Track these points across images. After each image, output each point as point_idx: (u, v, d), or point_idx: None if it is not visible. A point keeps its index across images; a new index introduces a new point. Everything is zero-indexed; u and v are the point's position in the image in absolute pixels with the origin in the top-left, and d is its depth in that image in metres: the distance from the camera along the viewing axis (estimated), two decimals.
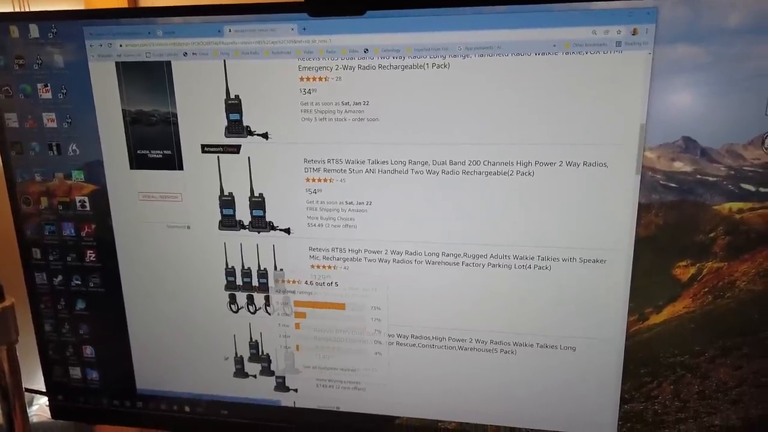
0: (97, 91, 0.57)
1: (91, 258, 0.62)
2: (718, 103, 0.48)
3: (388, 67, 0.52)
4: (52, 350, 0.67)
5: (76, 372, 0.67)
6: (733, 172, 0.49)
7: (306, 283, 0.59)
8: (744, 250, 0.51)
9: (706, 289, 0.52)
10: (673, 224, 0.51)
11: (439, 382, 0.60)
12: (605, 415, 0.57)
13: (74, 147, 0.59)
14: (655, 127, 0.49)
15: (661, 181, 0.50)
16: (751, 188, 0.49)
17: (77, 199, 0.61)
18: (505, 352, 0.57)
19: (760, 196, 0.49)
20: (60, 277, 0.64)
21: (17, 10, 0.80)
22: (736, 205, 0.50)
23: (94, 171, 0.60)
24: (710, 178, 0.49)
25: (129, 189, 0.59)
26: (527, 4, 0.48)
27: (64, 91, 0.58)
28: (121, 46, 0.55)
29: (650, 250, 0.52)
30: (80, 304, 0.64)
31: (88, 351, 0.66)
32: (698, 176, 0.50)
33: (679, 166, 0.50)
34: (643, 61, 0.48)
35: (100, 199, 0.60)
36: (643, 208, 0.51)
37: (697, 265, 0.52)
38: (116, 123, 0.58)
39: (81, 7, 0.77)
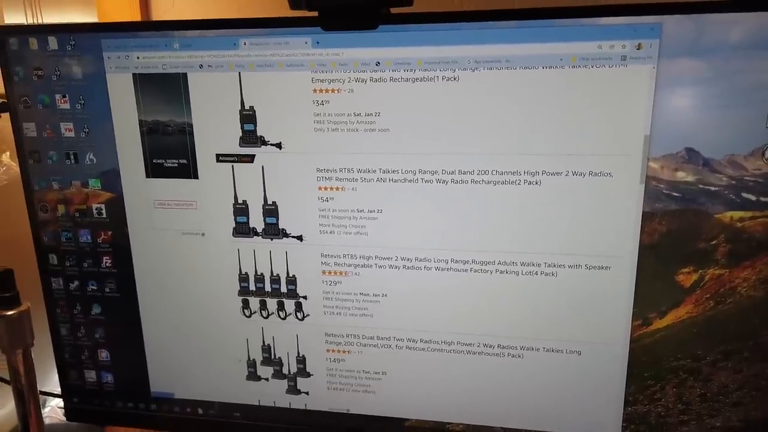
0: (114, 101, 0.59)
1: (107, 264, 0.64)
2: (720, 115, 0.49)
3: (399, 80, 0.53)
4: (68, 354, 0.68)
5: (91, 375, 0.69)
6: (734, 182, 0.50)
7: (317, 288, 0.61)
8: (745, 257, 0.52)
9: (708, 295, 0.53)
10: (676, 232, 0.53)
11: (447, 385, 0.61)
12: (609, 417, 0.59)
13: (91, 156, 0.61)
14: (659, 138, 0.51)
15: (664, 191, 0.52)
16: (752, 197, 0.51)
17: (94, 206, 0.62)
18: (513, 356, 0.59)
19: (761, 205, 0.51)
20: (76, 283, 0.65)
21: (30, 19, 0.81)
22: (737, 214, 0.51)
23: (111, 179, 0.61)
24: (712, 188, 0.51)
25: (145, 197, 0.61)
26: (534, 19, 0.50)
27: (82, 101, 0.59)
28: (138, 58, 0.57)
29: (654, 257, 0.54)
30: (96, 309, 0.66)
31: (104, 354, 0.67)
32: (701, 186, 0.51)
33: (682, 175, 0.51)
34: (647, 74, 0.49)
35: (117, 206, 0.62)
36: (647, 217, 0.53)
37: (700, 271, 0.53)
38: (133, 133, 0.59)
39: (94, 16, 0.78)
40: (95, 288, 0.65)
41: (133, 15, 0.77)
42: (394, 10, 0.53)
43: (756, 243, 0.52)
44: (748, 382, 0.55)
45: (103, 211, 0.62)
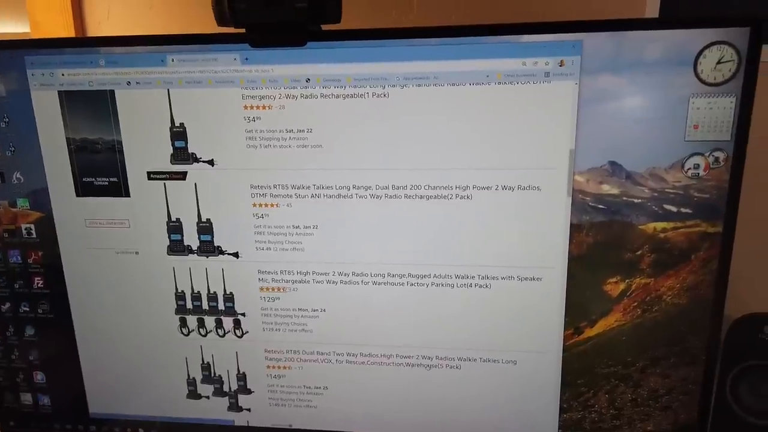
0: (40, 119, 0.57)
1: (39, 285, 0.62)
2: (641, 129, 0.51)
3: (330, 96, 0.53)
4: (2, 376, 0.66)
5: (27, 398, 0.67)
6: (656, 194, 0.52)
7: (255, 305, 0.60)
8: (668, 266, 0.54)
9: (635, 304, 0.55)
10: (603, 243, 0.54)
11: (388, 397, 0.62)
12: (546, 423, 0.60)
13: (18, 175, 0.59)
14: (584, 152, 0.52)
15: (590, 203, 0.53)
16: (673, 209, 0.52)
17: (23, 226, 0.61)
18: (450, 367, 0.59)
19: (682, 216, 0.52)
20: (8, 304, 0.63)
21: None
22: (660, 225, 0.53)
23: (40, 198, 0.59)
24: (635, 200, 0.52)
25: (76, 216, 0.59)
26: (459, 36, 0.50)
27: (7, 119, 0.57)
28: (63, 75, 0.55)
29: (582, 267, 0.55)
30: (29, 331, 0.64)
31: (39, 376, 0.66)
32: (624, 198, 0.52)
33: (606, 188, 0.52)
34: (570, 90, 0.50)
35: (47, 226, 0.60)
36: (574, 229, 0.54)
37: (627, 281, 0.55)
38: (61, 151, 0.58)
39: (26, 27, 0.76)
40: (28, 309, 0.63)
41: (67, 27, 0.75)
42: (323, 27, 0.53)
43: (678, 252, 0.53)
44: (676, 387, 0.57)
45: (33, 231, 0.61)
